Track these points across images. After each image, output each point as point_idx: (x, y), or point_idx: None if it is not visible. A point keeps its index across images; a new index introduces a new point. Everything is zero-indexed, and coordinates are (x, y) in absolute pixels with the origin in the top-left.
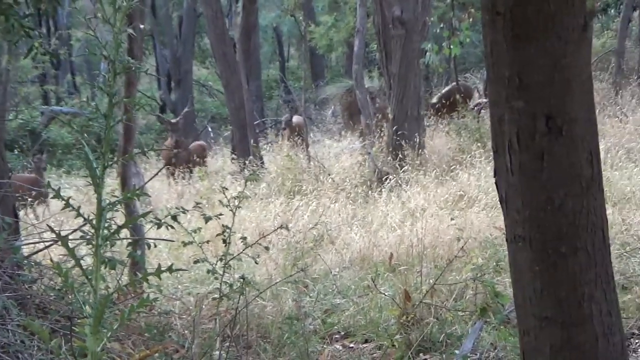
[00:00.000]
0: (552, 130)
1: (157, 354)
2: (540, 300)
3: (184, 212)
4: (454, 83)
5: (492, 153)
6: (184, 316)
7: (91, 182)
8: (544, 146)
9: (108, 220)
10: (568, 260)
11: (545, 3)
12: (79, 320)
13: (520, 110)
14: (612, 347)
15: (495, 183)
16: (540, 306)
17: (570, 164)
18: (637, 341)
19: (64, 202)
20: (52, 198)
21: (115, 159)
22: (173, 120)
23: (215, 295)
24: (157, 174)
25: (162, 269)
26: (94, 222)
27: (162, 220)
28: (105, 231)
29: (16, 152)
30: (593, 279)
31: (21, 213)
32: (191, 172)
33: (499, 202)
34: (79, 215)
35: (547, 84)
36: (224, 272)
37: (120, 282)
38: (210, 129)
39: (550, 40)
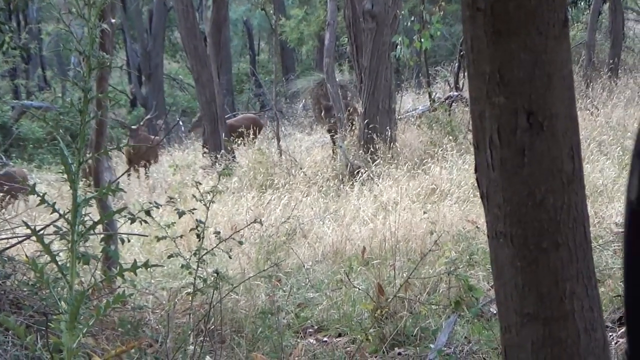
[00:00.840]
0: (533, 125)
1: (132, 350)
2: (521, 296)
3: (157, 207)
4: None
5: (463, 146)
6: (157, 311)
7: (66, 177)
8: (525, 142)
9: (83, 216)
10: (549, 256)
11: None
12: (54, 316)
13: (501, 106)
14: (594, 342)
15: (476, 179)
16: (521, 302)
17: (552, 160)
18: (611, 334)
19: (39, 197)
20: (28, 194)
21: (90, 154)
22: (133, 127)
23: (189, 290)
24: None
25: (138, 264)
26: (69, 217)
27: (136, 215)
28: (81, 227)
29: None
30: (575, 275)
31: None
32: (147, 168)
33: (471, 196)
34: (54, 211)
35: (528, 80)
36: (197, 266)
37: (94, 277)
38: (181, 123)
39: (531, 36)
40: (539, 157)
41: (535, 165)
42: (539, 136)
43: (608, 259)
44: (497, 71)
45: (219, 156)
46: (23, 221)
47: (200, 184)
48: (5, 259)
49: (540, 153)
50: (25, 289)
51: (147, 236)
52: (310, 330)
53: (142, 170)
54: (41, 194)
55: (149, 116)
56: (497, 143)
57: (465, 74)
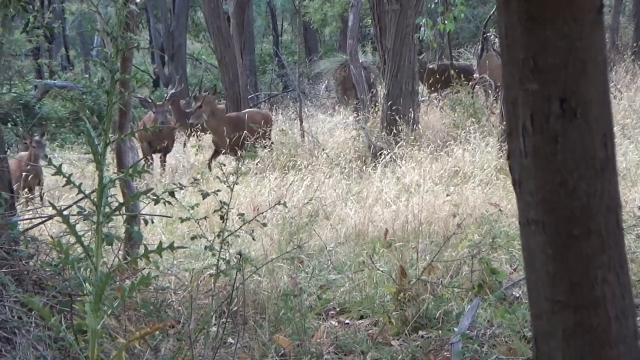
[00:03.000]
0: (567, 112)
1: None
2: (552, 284)
3: (181, 188)
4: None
5: (486, 129)
6: (179, 292)
7: (88, 157)
8: (558, 129)
9: (108, 197)
10: (581, 244)
11: None
12: (78, 297)
13: (534, 93)
14: (625, 330)
15: (509, 166)
16: (552, 290)
17: (584, 147)
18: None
19: (65, 178)
20: (53, 175)
21: (115, 135)
22: (159, 103)
23: (212, 272)
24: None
25: (163, 246)
26: (94, 198)
27: (160, 196)
28: (106, 208)
29: (9, 126)
30: (606, 262)
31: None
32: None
33: (494, 179)
34: (80, 192)
35: (562, 67)
36: (220, 248)
37: (119, 258)
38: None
39: (567, 22)
40: (571, 144)
41: (568, 152)
42: (572, 123)
43: (631, 243)
44: (531, 58)
45: None
46: (48, 201)
47: (224, 165)
48: (29, 239)
49: (573, 140)
50: (48, 270)
51: (170, 217)
52: (332, 312)
53: (157, 156)
54: (67, 175)
55: (173, 90)
56: (530, 130)
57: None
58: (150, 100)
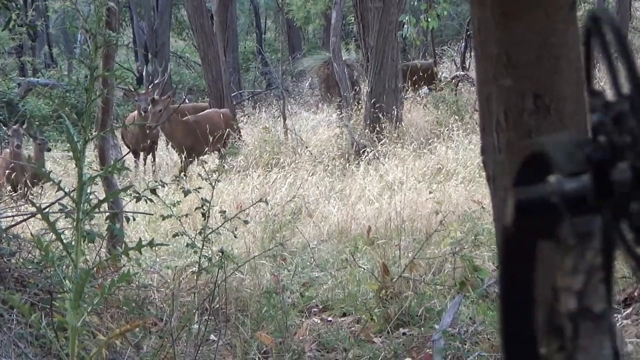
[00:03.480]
0: (540, 108)
1: (137, 328)
2: None
3: (162, 186)
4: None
5: (469, 126)
6: (162, 289)
7: (72, 155)
8: (531, 124)
9: (88, 194)
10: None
11: None
12: (59, 295)
13: (508, 89)
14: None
15: (483, 162)
16: None
17: None
18: (616, 315)
19: (44, 176)
20: (34, 172)
21: (95, 132)
22: (141, 92)
23: (194, 269)
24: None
25: (143, 243)
26: (74, 195)
27: (141, 194)
28: (86, 205)
29: None
30: None
31: None
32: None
33: (477, 176)
34: (59, 189)
35: (535, 62)
36: (202, 245)
37: (99, 255)
38: (187, 101)
39: (539, 18)
40: None
41: None
42: (546, 119)
43: None
44: (504, 53)
45: None
46: (28, 199)
47: (205, 162)
48: (11, 236)
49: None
50: (30, 267)
51: (152, 215)
52: (315, 309)
53: (142, 155)
54: (47, 173)
55: (157, 80)
56: (504, 125)
57: (472, 53)
58: (132, 90)
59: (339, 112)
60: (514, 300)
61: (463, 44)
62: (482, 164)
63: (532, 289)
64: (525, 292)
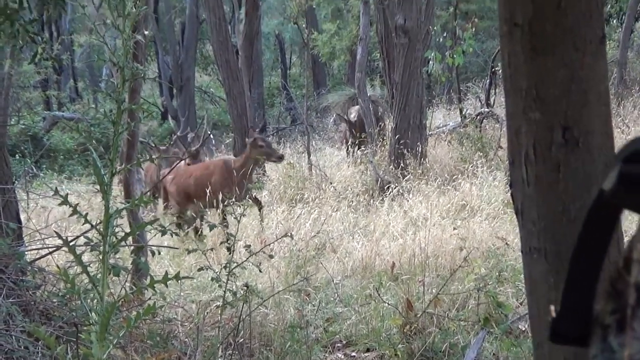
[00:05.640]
0: (569, 141)
1: None
2: None
3: (186, 221)
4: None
5: (493, 163)
6: (186, 323)
7: (98, 188)
8: (560, 157)
9: (114, 227)
10: None
11: (563, 16)
12: (84, 327)
13: (537, 122)
14: None
15: (511, 195)
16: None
17: (587, 176)
18: None
19: (71, 208)
20: (59, 205)
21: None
22: (162, 147)
23: (218, 303)
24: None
25: (169, 276)
26: (101, 228)
27: (167, 227)
28: (112, 238)
29: (17, 157)
30: None
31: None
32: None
33: (501, 212)
34: (86, 222)
35: (564, 96)
36: (227, 279)
37: (125, 288)
38: (212, 136)
39: (568, 52)
40: (573, 173)
41: (570, 181)
42: (574, 152)
43: None
44: (533, 87)
45: None
46: (55, 232)
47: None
48: (36, 269)
49: (575, 169)
50: (55, 300)
51: (177, 249)
52: (338, 345)
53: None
54: (73, 205)
55: (178, 133)
56: (533, 159)
57: (496, 90)
58: (153, 145)
59: (363, 149)
60: (586, 257)
61: (488, 81)
62: (510, 197)
63: (604, 252)
64: (597, 254)
